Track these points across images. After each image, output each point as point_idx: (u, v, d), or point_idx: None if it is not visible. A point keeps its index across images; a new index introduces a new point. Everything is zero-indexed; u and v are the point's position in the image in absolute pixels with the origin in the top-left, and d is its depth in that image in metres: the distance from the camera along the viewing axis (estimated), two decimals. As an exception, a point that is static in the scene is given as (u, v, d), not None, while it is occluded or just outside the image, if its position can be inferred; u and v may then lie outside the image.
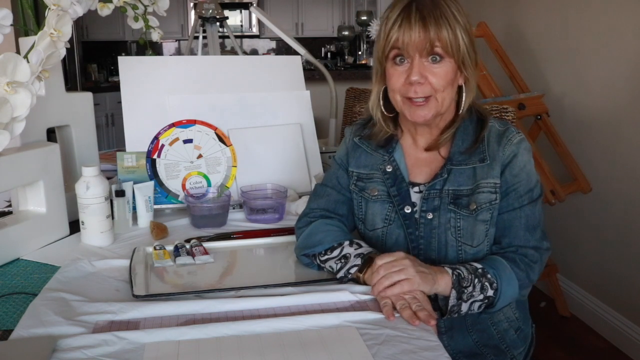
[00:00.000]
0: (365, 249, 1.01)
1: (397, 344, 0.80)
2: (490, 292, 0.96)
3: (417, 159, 1.11)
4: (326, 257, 1.03)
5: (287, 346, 0.80)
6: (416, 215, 1.07)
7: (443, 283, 0.94)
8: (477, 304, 0.96)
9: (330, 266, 1.02)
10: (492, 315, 1.10)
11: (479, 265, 0.98)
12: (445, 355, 0.78)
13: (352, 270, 0.98)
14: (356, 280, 0.99)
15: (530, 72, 2.61)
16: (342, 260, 1.00)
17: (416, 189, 1.08)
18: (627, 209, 2.12)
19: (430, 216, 1.05)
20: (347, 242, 1.03)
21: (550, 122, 2.38)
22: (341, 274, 0.99)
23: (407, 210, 1.07)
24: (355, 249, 1.01)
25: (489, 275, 0.97)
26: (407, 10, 0.99)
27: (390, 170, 1.10)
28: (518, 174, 1.04)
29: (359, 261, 0.98)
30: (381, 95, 1.10)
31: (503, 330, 1.12)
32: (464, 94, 1.05)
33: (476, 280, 0.95)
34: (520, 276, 1.00)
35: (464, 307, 0.95)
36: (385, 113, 1.11)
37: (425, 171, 1.09)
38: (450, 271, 0.95)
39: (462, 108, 1.06)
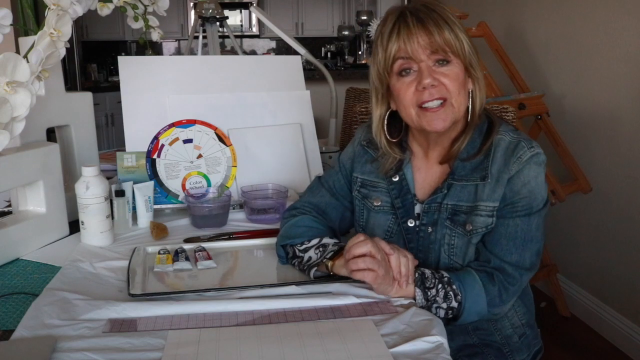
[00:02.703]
0: (343, 243, 1.01)
1: (398, 344, 0.80)
2: (454, 304, 0.93)
3: (427, 173, 1.07)
4: (304, 246, 1.03)
5: (305, 335, 0.81)
6: (417, 229, 1.05)
7: (408, 287, 0.93)
8: (441, 311, 0.94)
9: (309, 256, 1.01)
10: (496, 321, 1.09)
11: (445, 274, 0.95)
12: (445, 355, 0.78)
13: (328, 256, 0.98)
14: (329, 274, 0.99)
15: (530, 72, 2.61)
16: (321, 249, 1.01)
17: (419, 205, 1.06)
18: (628, 209, 2.12)
19: (429, 230, 1.03)
20: (327, 237, 1.05)
21: (551, 122, 2.38)
22: (319, 259, 0.99)
23: (411, 224, 1.05)
24: (333, 242, 1.02)
25: (454, 286, 0.93)
26: (402, 18, 0.95)
27: (396, 180, 1.07)
28: (519, 190, 0.96)
29: (335, 248, 0.99)
30: (386, 120, 1.04)
31: (507, 336, 1.10)
32: (476, 99, 1.00)
33: (440, 285, 0.93)
34: (492, 293, 0.95)
35: (432, 310, 0.93)
36: (389, 138, 1.05)
37: (431, 185, 1.05)
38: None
39: (475, 113, 1.00)
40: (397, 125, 1.06)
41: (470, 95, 1.00)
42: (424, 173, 1.07)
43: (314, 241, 1.03)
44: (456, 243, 1.00)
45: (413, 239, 1.05)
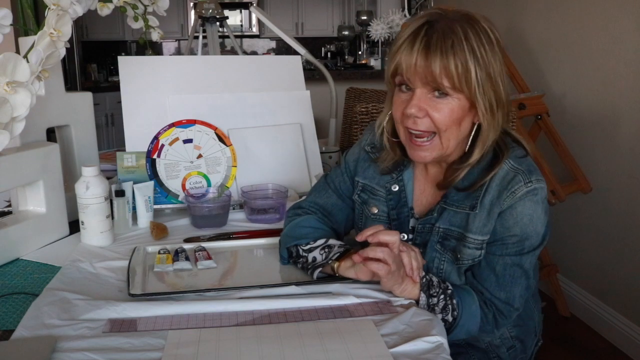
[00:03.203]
0: (349, 246, 1.01)
1: (398, 344, 0.80)
2: (449, 317, 0.93)
3: (425, 185, 1.05)
4: (309, 246, 1.02)
5: (305, 335, 0.81)
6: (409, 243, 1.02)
7: (413, 290, 0.93)
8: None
9: (313, 257, 1.00)
10: None
11: (450, 286, 0.95)
12: (445, 355, 0.79)
13: (335, 257, 0.97)
14: (332, 275, 0.98)
15: (530, 72, 2.61)
16: (326, 249, 1.00)
17: (413, 219, 1.05)
18: (627, 209, 2.12)
19: (420, 250, 0.98)
20: (332, 238, 1.03)
21: (551, 122, 2.38)
22: (324, 260, 0.98)
23: (403, 237, 1.03)
24: (340, 244, 1.01)
25: (454, 301, 0.93)
26: (415, 34, 0.89)
27: (395, 190, 1.04)
28: (511, 228, 0.92)
29: (341, 250, 0.98)
30: (388, 118, 1.01)
31: (495, 346, 1.09)
32: (486, 137, 0.92)
33: (442, 295, 0.93)
34: (486, 318, 0.96)
35: None
36: (389, 137, 1.02)
37: (428, 201, 1.03)
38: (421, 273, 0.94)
39: (479, 150, 0.93)
40: None
41: (474, 129, 0.93)
42: (423, 185, 1.05)
43: (320, 242, 1.02)
44: (445, 268, 0.98)
45: None
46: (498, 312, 0.96)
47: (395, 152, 1.03)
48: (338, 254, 0.98)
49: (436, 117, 0.90)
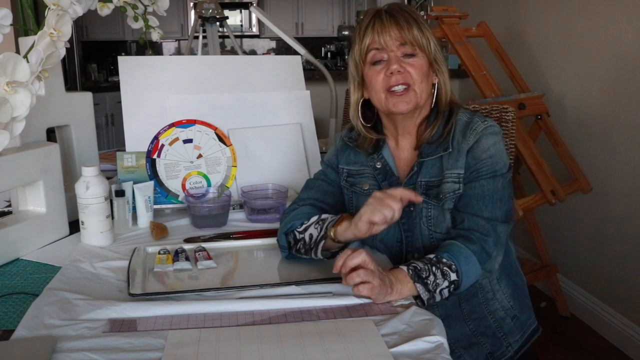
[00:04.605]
0: (343, 214, 1.06)
1: (398, 344, 0.80)
2: (453, 276, 0.98)
3: (400, 160, 1.17)
4: (304, 226, 1.07)
5: (305, 335, 0.81)
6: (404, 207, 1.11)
7: (406, 286, 0.94)
8: (445, 291, 0.98)
9: (310, 234, 1.05)
10: (487, 304, 1.15)
11: (431, 255, 1.00)
12: (445, 355, 0.78)
13: (329, 226, 1.02)
14: (334, 252, 1.02)
15: (530, 72, 2.61)
16: (320, 223, 1.05)
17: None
18: (627, 209, 2.12)
19: (411, 208, 1.11)
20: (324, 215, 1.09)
21: (551, 122, 2.38)
22: (322, 232, 1.03)
23: None
24: (332, 216, 1.06)
25: (444, 260, 0.98)
26: (378, 15, 1.10)
27: (379, 166, 1.16)
28: (480, 156, 1.07)
29: (335, 219, 1.03)
30: (360, 105, 1.16)
31: (500, 319, 1.15)
32: (442, 90, 1.12)
33: (434, 268, 0.97)
34: (477, 251, 1.01)
35: (437, 297, 0.97)
36: (363, 123, 1.16)
37: (408, 167, 1.15)
38: (405, 268, 0.96)
39: (441, 102, 1.13)
40: (369, 114, 1.18)
41: (436, 87, 1.13)
42: (398, 160, 1.17)
43: (313, 219, 1.08)
44: (432, 214, 1.09)
45: (404, 216, 1.11)
46: (482, 233, 1.03)
47: (370, 134, 1.17)
48: (332, 221, 1.03)
49: (411, 71, 1.08)
